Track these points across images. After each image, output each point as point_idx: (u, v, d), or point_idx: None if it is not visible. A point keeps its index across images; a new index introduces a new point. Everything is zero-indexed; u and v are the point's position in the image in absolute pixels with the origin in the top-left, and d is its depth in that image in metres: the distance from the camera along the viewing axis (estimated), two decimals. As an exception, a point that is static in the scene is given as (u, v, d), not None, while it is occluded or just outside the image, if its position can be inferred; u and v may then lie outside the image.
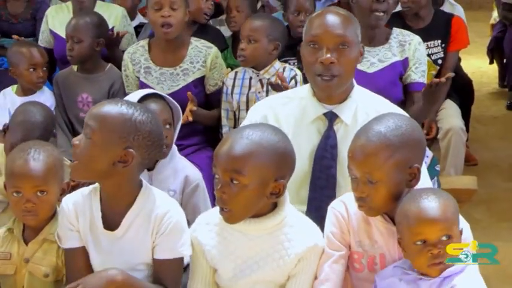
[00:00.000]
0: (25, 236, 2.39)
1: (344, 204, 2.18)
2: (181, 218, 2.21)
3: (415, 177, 2.06)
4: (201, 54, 3.53)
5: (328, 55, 2.38)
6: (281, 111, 2.53)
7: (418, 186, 2.10)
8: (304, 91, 2.57)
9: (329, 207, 2.22)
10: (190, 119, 3.24)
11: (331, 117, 2.48)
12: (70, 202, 2.25)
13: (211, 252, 2.17)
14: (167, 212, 2.17)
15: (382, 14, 3.35)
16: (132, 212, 2.18)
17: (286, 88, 3.02)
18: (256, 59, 3.43)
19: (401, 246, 2.02)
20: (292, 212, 2.17)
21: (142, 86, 3.47)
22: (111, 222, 2.20)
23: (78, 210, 2.23)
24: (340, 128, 2.48)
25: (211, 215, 2.23)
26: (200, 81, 3.54)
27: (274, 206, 2.14)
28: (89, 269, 2.24)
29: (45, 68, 3.70)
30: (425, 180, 2.28)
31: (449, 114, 4.14)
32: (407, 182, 2.06)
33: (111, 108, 2.12)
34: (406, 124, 2.08)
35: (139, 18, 4.83)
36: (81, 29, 3.62)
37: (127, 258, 2.20)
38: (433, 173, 3.10)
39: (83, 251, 2.24)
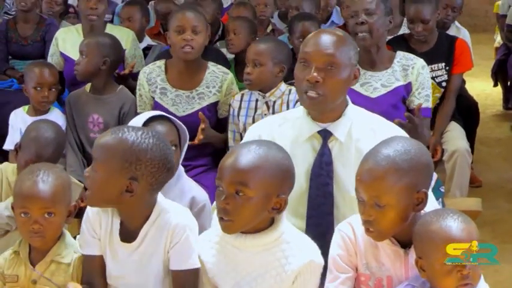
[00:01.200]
0: (31, 257, 2.39)
1: (351, 227, 2.19)
2: (194, 228, 2.26)
3: (422, 201, 2.07)
4: (217, 80, 3.58)
5: (315, 74, 2.39)
6: (276, 131, 2.55)
7: (425, 209, 2.10)
8: (299, 111, 2.59)
9: (336, 229, 2.24)
10: (201, 137, 3.28)
11: (325, 135, 2.49)
12: (95, 210, 2.30)
13: (212, 269, 2.21)
14: (179, 223, 2.22)
15: (365, 34, 3.37)
16: (147, 224, 2.23)
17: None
18: (263, 82, 3.45)
19: (420, 267, 2.01)
20: (289, 228, 2.21)
21: (157, 106, 3.52)
22: (128, 235, 2.25)
23: (102, 219, 2.28)
24: (335, 146, 2.49)
25: (212, 233, 2.28)
26: (214, 106, 3.59)
27: (272, 223, 2.18)
28: (104, 278, 2.31)
29: (53, 89, 3.73)
30: (431, 203, 2.28)
31: (454, 136, 4.15)
32: (415, 206, 2.07)
33: (111, 139, 2.17)
34: (415, 148, 2.09)
35: (147, 40, 4.90)
36: (91, 45, 3.68)
37: (142, 269, 2.25)
38: (437, 194, 3.10)
39: (101, 260, 2.30)
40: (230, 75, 3.63)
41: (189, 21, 3.46)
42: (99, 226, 2.29)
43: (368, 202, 2.05)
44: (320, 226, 2.41)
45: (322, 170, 2.47)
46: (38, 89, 3.70)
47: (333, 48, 2.42)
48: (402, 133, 2.46)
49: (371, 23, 3.37)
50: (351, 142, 2.46)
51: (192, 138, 3.08)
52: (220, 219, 2.11)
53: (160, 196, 2.29)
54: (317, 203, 2.48)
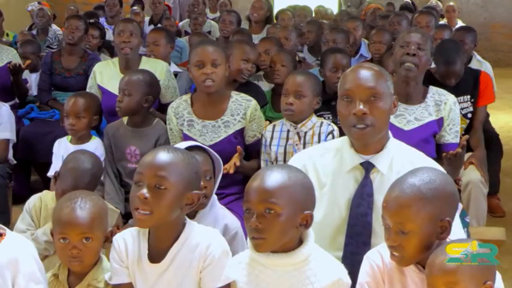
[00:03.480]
0: (70, 281, 2.47)
1: (380, 255, 2.23)
2: (224, 247, 2.31)
3: (446, 230, 2.11)
4: (241, 107, 3.63)
5: (361, 107, 2.46)
6: (319, 162, 2.61)
7: (451, 238, 2.15)
8: (340, 143, 2.65)
9: (365, 257, 2.27)
10: (232, 171, 3.32)
11: (368, 166, 2.54)
12: (121, 240, 2.35)
13: None
14: (210, 245, 2.27)
15: (411, 65, 3.45)
16: (177, 246, 2.28)
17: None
18: (303, 113, 3.51)
19: None
20: (316, 249, 2.27)
21: (186, 138, 3.59)
22: (156, 257, 2.30)
23: (128, 247, 2.33)
24: (376, 177, 2.54)
25: (243, 255, 2.34)
26: (240, 133, 3.64)
27: (300, 243, 2.24)
28: None
29: (81, 118, 3.75)
30: (459, 232, 2.33)
31: (469, 167, 4.16)
32: (438, 235, 2.10)
33: (173, 156, 2.25)
34: (440, 178, 2.13)
35: (173, 67, 4.99)
36: (133, 84, 3.72)
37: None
38: (463, 224, 3.16)
39: (130, 287, 2.35)
40: (253, 102, 3.68)
41: (208, 55, 3.51)
42: (125, 254, 2.33)
43: (393, 229, 2.11)
44: (357, 255, 2.43)
45: (363, 200, 2.53)
46: (65, 117, 3.78)
47: (373, 80, 2.50)
48: (438, 167, 2.47)
49: (420, 57, 3.47)
50: (391, 174, 2.50)
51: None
52: (252, 238, 2.18)
53: (188, 220, 2.35)
54: (355, 232, 2.53)
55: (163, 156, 2.24)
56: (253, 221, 2.16)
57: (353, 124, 2.49)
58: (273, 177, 2.19)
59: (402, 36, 3.59)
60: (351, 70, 2.63)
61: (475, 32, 5.22)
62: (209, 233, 2.34)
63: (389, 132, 2.63)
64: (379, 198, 2.46)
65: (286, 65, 4.26)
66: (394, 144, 2.61)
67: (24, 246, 2.35)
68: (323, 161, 2.63)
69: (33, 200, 3.04)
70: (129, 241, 2.34)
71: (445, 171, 2.28)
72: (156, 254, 2.31)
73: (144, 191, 2.19)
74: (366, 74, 2.53)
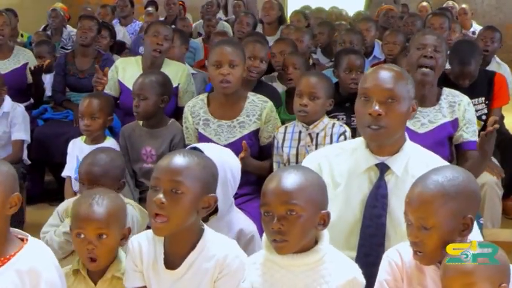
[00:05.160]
0: (90, 275, 2.48)
1: (399, 253, 2.23)
2: (241, 259, 2.29)
3: (468, 227, 2.10)
4: (257, 108, 3.65)
5: (377, 107, 2.46)
6: (334, 161, 2.62)
7: (470, 237, 2.14)
8: (356, 143, 2.65)
9: (384, 256, 2.27)
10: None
11: (383, 168, 2.55)
12: (136, 243, 2.35)
13: None
14: (227, 256, 2.26)
15: (428, 70, 3.43)
16: (194, 253, 2.27)
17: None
18: (316, 114, 3.50)
19: None
20: (330, 249, 2.27)
21: (201, 137, 3.63)
22: (172, 262, 2.29)
23: (142, 251, 2.33)
24: (391, 179, 2.54)
25: (258, 256, 2.33)
26: (255, 134, 3.65)
27: (315, 243, 2.25)
28: None
29: (96, 118, 3.75)
30: (475, 232, 2.31)
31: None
32: (460, 232, 2.10)
33: (188, 159, 2.25)
34: (463, 176, 2.14)
35: (188, 69, 4.92)
36: (147, 87, 3.74)
37: None
38: (477, 225, 3.16)
39: None
40: (269, 103, 3.69)
41: (226, 55, 3.52)
42: (140, 259, 2.33)
43: (415, 224, 2.11)
44: (370, 256, 2.46)
45: (377, 201, 2.53)
46: (80, 117, 3.79)
47: (392, 82, 2.49)
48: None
49: (437, 59, 3.45)
50: (407, 177, 2.50)
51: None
52: (274, 241, 2.16)
53: (207, 228, 2.35)
54: (369, 233, 2.52)
55: (179, 160, 2.24)
56: (275, 224, 2.15)
57: (367, 124, 2.49)
58: (291, 179, 2.19)
59: (417, 38, 3.56)
60: (372, 70, 2.64)
61: (500, 33, 5.21)
62: (227, 244, 2.33)
63: (406, 135, 2.63)
64: (393, 200, 2.51)
65: (298, 68, 4.25)
66: (410, 147, 2.61)
67: (45, 254, 2.35)
68: (338, 161, 2.63)
69: (66, 203, 3.04)
70: (145, 245, 2.35)
71: (467, 170, 2.26)
72: (172, 260, 2.30)
73: (161, 195, 2.19)
74: (385, 75, 2.53)
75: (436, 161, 2.56)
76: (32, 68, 5.13)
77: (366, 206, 2.54)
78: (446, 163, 2.58)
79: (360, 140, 2.65)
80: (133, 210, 2.96)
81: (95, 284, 2.48)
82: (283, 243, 2.16)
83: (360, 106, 2.54)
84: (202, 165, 2.27)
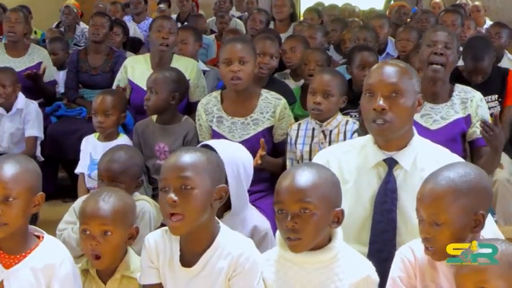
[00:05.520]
0: (100, 275, 2.48)
1: (411, 250, 2.23)
2: (256, 257, 2.28)
3: (480, 224, 2.10)
4: (270, 105, 3.65)
5: (381, 102, 2.46)
6: (343, 158, 2.62)
7: (484, 233, 2.15)
8: (365, 140, 2.66)
9: (396, 252, 2.28)
10: (259, 162, 3.31)
11: (391, 163, 2.55)
12: (152, 240, 2.35)
13: (272, 286, 2.26)
14: (242, 254, 2.25)
15: (439, 67, 3.43)
16: (210, 251, 2.27)
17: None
18: (330, 112, 3.50)
19: None
20: (344, 246, 2.27)
21: (215, 134, 3.63)
22: (188, 260, 2.29)
23: (159, 248, 2.33)
24: (400, 174, 2.54)
25: (271, 253, 2.34)
26: (269, 131, 3.65)
27: (329, 241, 2.25)
28: None
29: (109, 115, 3.76)
30: (491, 226, 2.33)
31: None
32: (472, 228, 2.10)
33: (192, 154, 2.25)
34: (475, 172, 2.14)
35: (201, 65, 4.98)
36: (160, 82, 3.76)
37: None
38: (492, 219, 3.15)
39: (160, 287, 2.35)
40: (283, 101, 3.69)
41: (236, 52, 3.53)
42: (156, 256, 2.33)
43: (427, 220, 2.11)
44: (382, 252, 2.46)
45: (387, 197, 2.53)
46: (93, 114, 3.80)
47: (396, 77, 2.50)
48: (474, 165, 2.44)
49: (447, 56, 3.44)
50: (415, 171, 2.51)
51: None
52: (288, 239, 2.17)
53: (223, 226, 2.35)
54: (380, 229, 2.52)
55: (182, 157, 2.25)
56: (289, 222, 2.15)
57: (373, 119, 2.50)
58: (304, 177, 2.19)
59: (428, 35, 3.56)
60: (376, 66, 2.64)
61: (509, 29, 5.19)
62: (243, 242, 2.33)
63: (414, 129, 2.62)
64: (402, 195, 2.51)
65: (321, 64, 4.23)
66: (418, 141, 2.60)
67: (60, 252, 2.37)
68: (347, 158, 2.63)
69: (82, 200, 3.03)
70: (161, 242, 2.34)
71: (479, 167, 2.26)
72: (187, 258, 2.31)
73: (172, 194, 2.19)
74: (389, 69, 2.53)
75: (444, 154, 2.58)
76: (26, 76, 5.05)
77: (375, 201, 2.54)
78: (455, 156, 2.59)
79: (368, 137, 2.65)
80: (149, 207, 2.98)
81: (105, 284, 2.47)
82: (297, 241, 2.17)
83: (365, 102, 2.55)
84: (205, 158, 2.27)
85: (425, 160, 2.52)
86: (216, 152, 2.59)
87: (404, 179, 2.53)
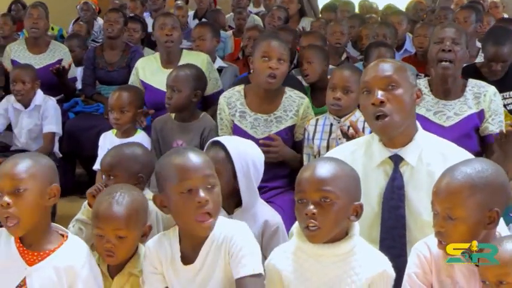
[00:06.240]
0: (109, 271, 2.49)
1: (427, 246, 2.23)
2: (250, 237, 2.30)
3: (494, 220, 2.09)
4: (294, 104, 3.63)
5: (379, 96, 2.47)
6: (350, 158, 2.59)
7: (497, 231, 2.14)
8: (370, 138, 2.66)
9: (412, 249, 2.28)
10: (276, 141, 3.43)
11: (397, 160, 2.55)
12: (152, 247, 2.36)
13: (288, 277, 2.25)
14: (233, 236, 2.27)
15: (448, 63, 3.41)
16: (206, 245, 2.29)
17: (353, 137, 3.03)
18: (349, 108, 3.49)
19: None
20: (361, 241, 2.27)
21: (236, 129, 3.63)
22: (188, 257, 2.31)
23: (160, 252, 2.34)
24: (406, 170, 2.53)
25: (288, 245, 2.34)
26: (291, 129, 3.63)
27: (346, 235, 2.25)
28: None
29: (125, 112, 3.76)
30: (501, 226, 2.29)
31: None
32: (486, 225, 2.09)
33: (194, 153, 2.30)
34: (492, 169, 2.13)
35: (219, 62, 4.99)
36: (181, 79, 3.75)
37: (210, 287, 2.30)
38: (506, 219, 3.12)
39: None
40: (306, 100, 3.68)
41: (276, 49, 3.51)
42: (158, 261, 2.34)
43: (441, 214, 2.11)
44: (393, 249, 2.46)
45: (394, 194, 2.53)
46: (110, 111, 3.81)
47: (390, 70, 2.51)
48: (471, 157, 2.45)
49: (456, 52, 3.42)
50: (422, 166, 2.51)
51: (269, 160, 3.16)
52: (306, 228, 2.17)
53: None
54: (389, 226, 2.53)
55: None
56: (308, 210, 2.15)
57: (372, 115, 2.50)
58: (326, 167, 2.21)
59: (436, 33, 3.54)
60: (371, 64, 2.64)
61: None
62: (234, 226, 2.34)
63: (418, 124, 2.61)
64: (410, 191, 2.51)
65: (313, 62, 4.22)
66: (422, 136, 2.60)
67: (83, 252, 2.37)
68: (354, 157, 2.62)
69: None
70: (160, 246, 2.36)
71: (496, 163, 2.25)
72: (187, 255, 2.32)
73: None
74: (383, 65, 2.55)
75: (450, 148, 2.57)
76: (54, 71, 5.10)
77: (383, 199, 2.55)
78: (463, 150, 2.57)
79: (373, 135, 2.66)
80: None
81: (112, 279, 2.48)
82: (316, 230, 2.16)
83: (363, 100, 2.55)
84: (207, 158, 2.33)
85: (431, 154, 2.52)
86: (226, 149, 2.68)
87: (411, 175, 2.53)
